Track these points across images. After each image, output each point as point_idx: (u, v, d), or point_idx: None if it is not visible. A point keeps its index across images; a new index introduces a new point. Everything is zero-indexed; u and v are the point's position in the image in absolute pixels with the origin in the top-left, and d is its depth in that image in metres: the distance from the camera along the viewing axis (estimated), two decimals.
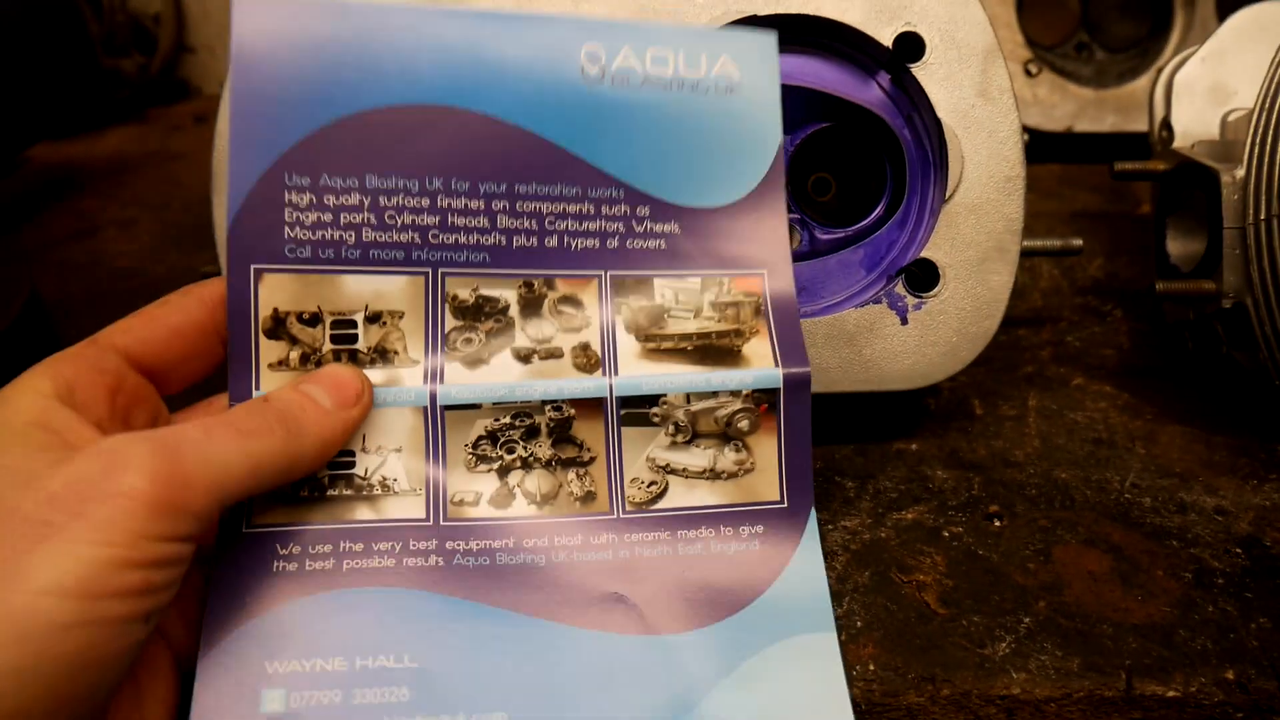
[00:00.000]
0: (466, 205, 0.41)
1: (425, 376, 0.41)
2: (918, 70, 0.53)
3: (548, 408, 0.42)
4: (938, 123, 0.53)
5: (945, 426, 0.58)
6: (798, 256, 0.55)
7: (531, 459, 0.42)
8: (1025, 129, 0.56)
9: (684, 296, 0.45)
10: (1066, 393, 0.62)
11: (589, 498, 0.42)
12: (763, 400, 0.44)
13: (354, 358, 0.41)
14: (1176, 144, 0.66)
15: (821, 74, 0.55)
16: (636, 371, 0.43)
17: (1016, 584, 0.46)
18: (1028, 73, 0.96)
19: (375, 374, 0.41)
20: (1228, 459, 0.56)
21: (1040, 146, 0.96)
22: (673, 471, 0.43)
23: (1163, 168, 0.64)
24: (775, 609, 0.41)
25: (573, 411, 0.43)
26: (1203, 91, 0.67)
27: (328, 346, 0.41)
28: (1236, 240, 0.57)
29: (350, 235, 0.40)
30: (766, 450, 0.44)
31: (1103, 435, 0.58)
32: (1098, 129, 0.96)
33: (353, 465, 0.40)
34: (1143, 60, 1.01)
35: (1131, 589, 0.46)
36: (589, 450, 0.43)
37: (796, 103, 0.53)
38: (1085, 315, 0.71)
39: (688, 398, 0.44)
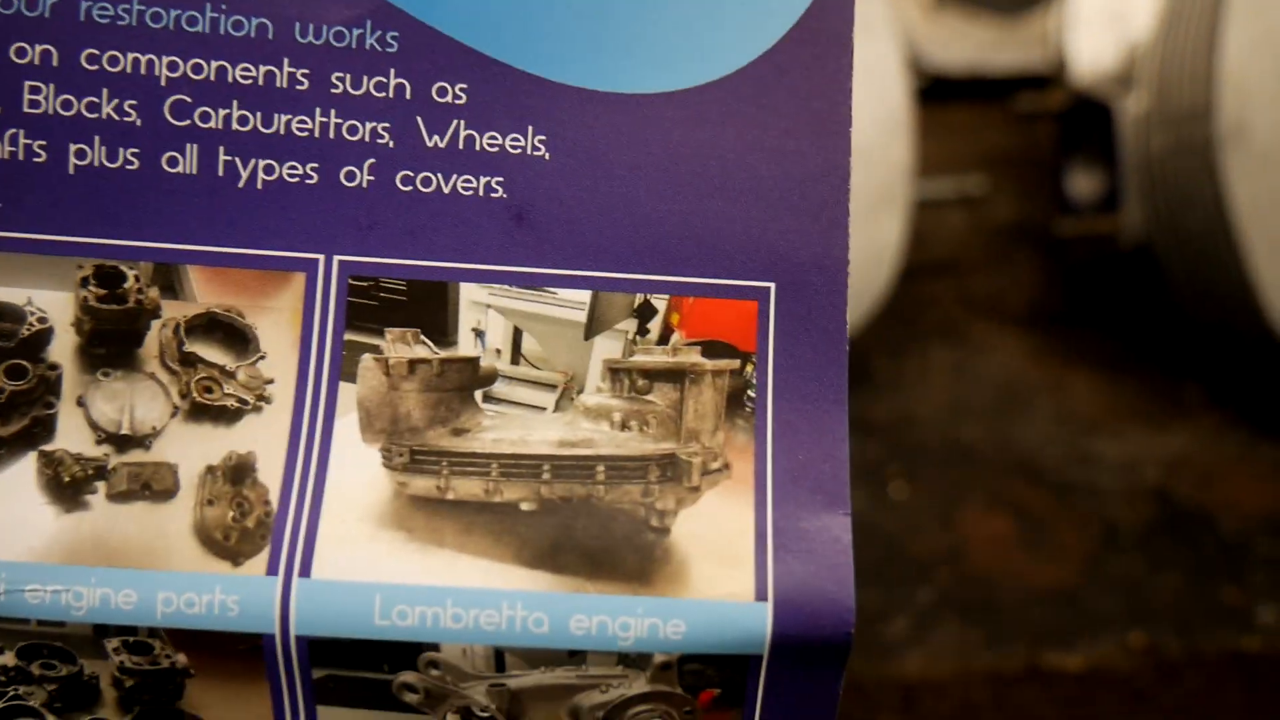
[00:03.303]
0: None
1: None
2: None
3: (113, 643, 0.18)
4: None
5: None
6: None
7: None
8: (934, 75, 0.53)
9: (540, 341, 0.19)
10: (972, 344, 0.59)
11: None
12: (706, 680, 0.19)
13: None
14: (1074, 75, 0.63)
15: None
16: (364, 566, 0.18)
17: (915, 555, 0.44)
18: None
19: None
20: (1136, 403, 0.53)
21: (949, 86, 0.94)
22: None
23: (1059, 103, 0.61)
24: None
25: (182, 659, 0.18)
26: (1100, 19, 0.64)
27: None
28: (1137, 173, 0.54)
29: None
30: None
31: (1009, 386, 0.55)
32: (1009, 63, 0.93)
33: None
34: None
35: (1036, 552, 0.44)
36: None
37: None
38: (993, 262, 0.68)
39: (498, 657, 0.19)
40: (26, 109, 0.18)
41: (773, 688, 0.18)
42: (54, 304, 0.18)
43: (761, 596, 0.18)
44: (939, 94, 0.77)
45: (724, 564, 0.18)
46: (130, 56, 0.18)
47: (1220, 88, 0.46)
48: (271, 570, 0.18)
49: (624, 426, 0.19)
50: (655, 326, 0.19)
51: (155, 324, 0.18)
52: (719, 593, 0.18)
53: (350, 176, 0.18)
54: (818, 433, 0.18)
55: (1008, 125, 0.89)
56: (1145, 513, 0.46)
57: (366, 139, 0.18)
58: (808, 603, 0.18)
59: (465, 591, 0.18)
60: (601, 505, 0.18)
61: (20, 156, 0.18)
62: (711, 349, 0.19)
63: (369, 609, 0.18)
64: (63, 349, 0.18)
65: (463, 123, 0.19)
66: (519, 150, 0.19)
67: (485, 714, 0.19)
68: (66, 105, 0.18)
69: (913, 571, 0.43)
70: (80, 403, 0.18)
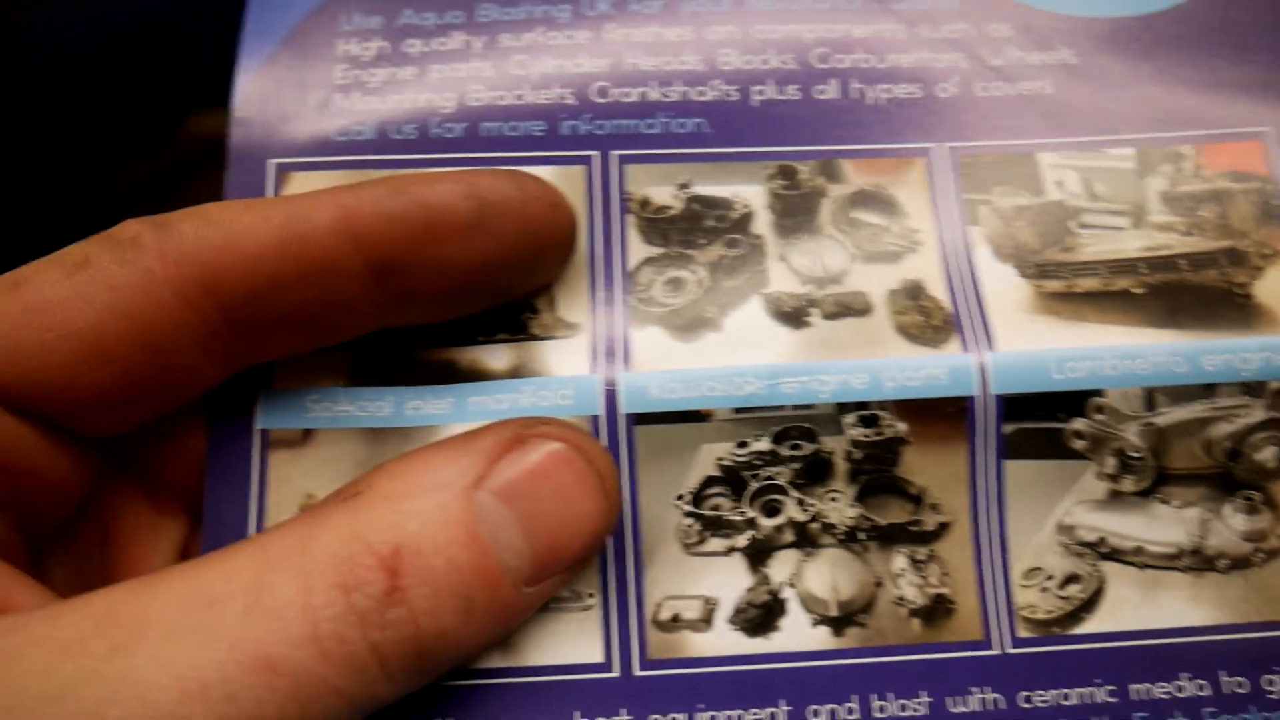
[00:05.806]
0: (659, 35, 0.26)
1: (593, 355, 0.23)
2: None
3: (849, 419, 0.23)
4: None
5: None
6: None
7: (817, 528, 0.23)
8: None
9: (1105, 185, 0.25)
10: None
11: (939, 613, 0.23)
12: None
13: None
14: None
15: None
16: (1032, 340, 0.23)
17: None
18: None
19: (498, 354, 0.23)
20: None
21: None
22: (1114, 555, 0.23)
23: None
24: None
25: (902, 428, 0.23)
26: None
27: None
28: None
29: (448, 100, 0.25)
30: None
31: None
32: None
33: None
34: None
35: None
36: (936, 510, 0.23)
37: None
38: None
39: (1148, 397, 0.23)
40: (720, 67, 0.25)
41: None
42: (752, 195, 0.25)
43: None
44: None
45: None
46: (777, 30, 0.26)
47: None
48: (964, 350, 0.23)
49: (1188, 234, 0.24)
50: (1188, 166, 0.25)
51: (824, 201, 0.25)
52: None
53: (943, 90, 0.25)
54: None
55: None
56: None
57: (950, 65, 0.26)
58: None
59: (1117, 348, 0.23)
60: (1193, 284, 0.24)
61: (722, 99, 0.25)
62: (1235, 176, 0.25)
63: (1045, 369, 0.23)
64: (762, 224, 0.24)
65: (1015, 47, 0.26)
66: (1058, 62, 0.26)
67: (1137, 454, 0.23)
68: (748, 63, 0.25)
69: None
70: (781, 259, 0.24)
